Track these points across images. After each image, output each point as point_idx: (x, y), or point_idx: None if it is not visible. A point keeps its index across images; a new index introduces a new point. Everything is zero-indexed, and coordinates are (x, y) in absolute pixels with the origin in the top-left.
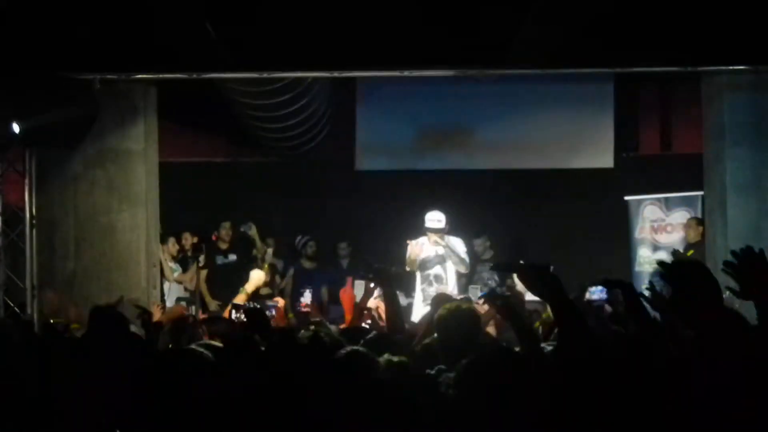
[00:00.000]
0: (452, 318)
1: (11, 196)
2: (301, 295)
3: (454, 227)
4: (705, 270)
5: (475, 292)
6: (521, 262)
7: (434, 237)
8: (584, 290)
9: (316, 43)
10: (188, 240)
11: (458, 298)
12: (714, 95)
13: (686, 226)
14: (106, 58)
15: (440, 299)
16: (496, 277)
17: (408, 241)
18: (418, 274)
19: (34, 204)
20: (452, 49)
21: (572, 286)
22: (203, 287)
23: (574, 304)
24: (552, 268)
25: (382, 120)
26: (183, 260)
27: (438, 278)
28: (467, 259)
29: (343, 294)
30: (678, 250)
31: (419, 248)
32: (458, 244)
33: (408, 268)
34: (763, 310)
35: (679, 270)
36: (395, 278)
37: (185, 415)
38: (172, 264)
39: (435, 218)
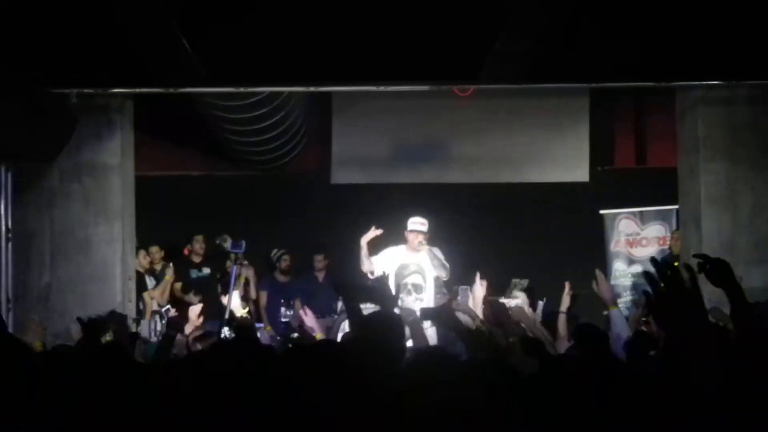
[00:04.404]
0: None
1: None
2: (291, 306)
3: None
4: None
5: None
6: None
7: (418, 239)
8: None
9: (292, 58)
10: (154, 254)
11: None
12: (688, 109)
13: (674, 239)
14: (83, 72)
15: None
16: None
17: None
18: (393, 282)
19: (10, 217)
20: (427, 64)
21: (552, 301)
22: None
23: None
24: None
25: (358, 134)
26: (157, 273)
27: (417, 287)
28: (448, 265)
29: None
30: (655, 258)
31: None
32: (438, 252)
33: (367, 270)
34: (731, 297)
35: (666, 271)
36: (365, 292)
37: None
38: (147, 278)
39: (418, 221)
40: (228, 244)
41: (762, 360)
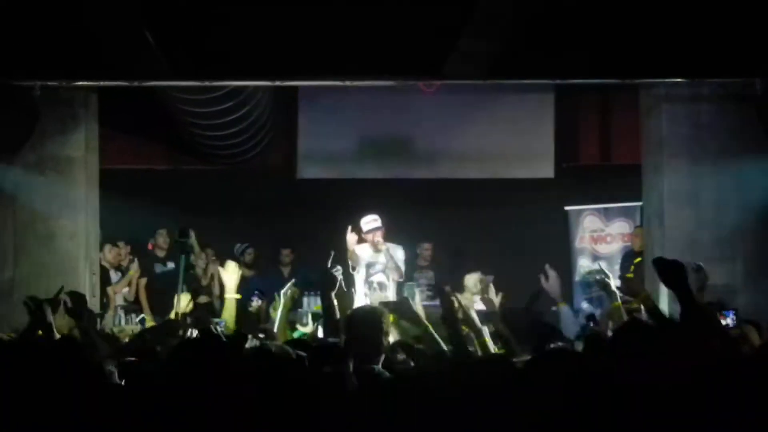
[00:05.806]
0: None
1: None
2: (251, 301)
3: (394, 234)
4: None
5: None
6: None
7: (376, 237)
8: (534, 300)
9: (258, 52)
10: (116, 251)
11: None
12: (652, 107)
13: (633, 235)
14: (47, 64)
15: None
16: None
17: (349, 238)
18: (361, 279)
19: None
20: (393, 59)
21: (515, 296)
22: (142, 296)
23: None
24: None
25: (324, 129)
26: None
27: (381, 286)
28: (403, 267)
29: None
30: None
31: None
32: (398, 251)
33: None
34: (680, 299)
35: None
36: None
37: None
38: (112, 272)
39: (370, 219)
40: (192, 238)
41: (710, 358)
